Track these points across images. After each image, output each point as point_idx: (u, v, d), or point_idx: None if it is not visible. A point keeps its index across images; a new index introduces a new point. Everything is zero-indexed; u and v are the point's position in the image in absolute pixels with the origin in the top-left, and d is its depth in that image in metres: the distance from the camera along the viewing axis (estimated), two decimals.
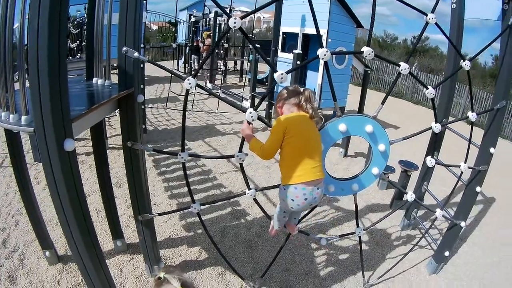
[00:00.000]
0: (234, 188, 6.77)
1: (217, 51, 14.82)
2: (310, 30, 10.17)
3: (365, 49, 3.12)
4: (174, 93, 13.15)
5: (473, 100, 17.47)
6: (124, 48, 2.88)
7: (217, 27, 15.72)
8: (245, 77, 15.57)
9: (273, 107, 2.95)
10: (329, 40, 9.27)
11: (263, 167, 7.75)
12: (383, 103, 3.51)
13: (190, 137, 9.30)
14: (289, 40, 11.26)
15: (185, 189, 6.36)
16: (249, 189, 3.44)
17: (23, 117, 2.48)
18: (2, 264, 4.29)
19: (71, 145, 2.37)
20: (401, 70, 3.35)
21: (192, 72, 16.04)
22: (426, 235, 5.35)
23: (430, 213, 6.59)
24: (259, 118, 2.98)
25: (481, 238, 6.28)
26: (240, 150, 3.22)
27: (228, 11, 16.75)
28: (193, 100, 12.86)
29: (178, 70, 18.21)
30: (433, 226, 5.42)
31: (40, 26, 2.06)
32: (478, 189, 4.67)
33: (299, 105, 2.91)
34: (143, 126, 8.88)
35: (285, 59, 10.56)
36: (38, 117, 2.24)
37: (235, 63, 22.23)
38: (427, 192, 5.54)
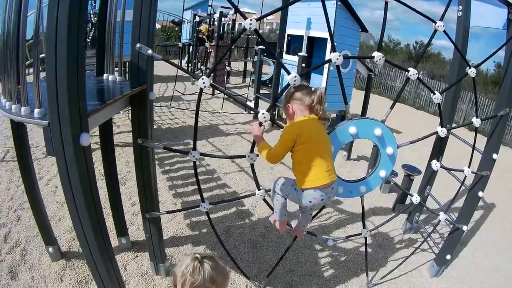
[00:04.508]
0: (238, 188, 6.81)
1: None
2: (315, 33, 10.20)
3: (376, 54, 3.16)
4: (179, 92, 13.12)
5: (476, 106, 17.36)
6: (138, 45, 2.85)
7: (221, 27, 15.74)
8: (250, 78, 15.52)
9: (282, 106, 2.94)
10: (335, 43, 9.32)
11: (267, 168, 7.76)
12: (392, 107, 3.55)
13: None
14: (294, 42, 11.29)
15: (189, 188, 6.44)
16: (259, 189, 3.46)
17: (36, 110, 2.44)
18: (3, 259, 4.25)
19: (87, 139, 2.33)
20: (410, 75, 3.39)
21: (202, 69, 16.22)
22: (428, 238, 5.40)
23: (432, 218, 6.65)
24: (272, 120, 3.00)
25: (481, 243, 6.32)
26: (252, 151, 3.23)
27: (232, 11, 16.80)
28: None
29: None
30: (435, 230, 5.46)
31: (59, 17, 2.02)
32: (480, 194, 4.73)
33: (311, 106, 2.87)
34: None
35: (290, 61, 10.58)
36: (54, 110, 2.20)
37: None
38: (429, 196, 5.58)
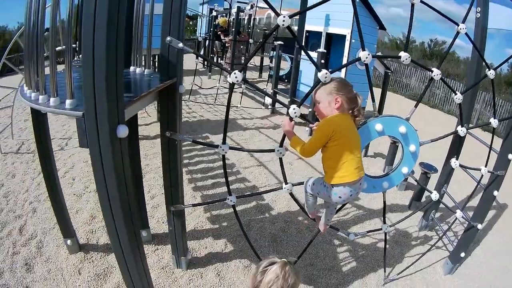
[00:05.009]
0: (258, 183, 6.88)
1: (242, 46, 14.86)
2: (334, 29, 10.22)
3: (403, 54, 3.21)
4: (197, 86, 13.18)
5: (490, 106, 17.29)
6: (168, 38, 2.87)
7: (240, 22, 15.77)
8: (268, 73, 15.50)
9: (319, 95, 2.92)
10: (353, 40, 9.37)
11: (286, 163, 7.61)
12: (416, 106, 3.63)
13: (212, 131, 9.40)
14: (312, 38, 11.31)
15: (209, 181, 6.53)
16: (286, 183, 3.52)
17: (67, 101, 2.36)
18: (19, 251, 4.28)
19: (124, 131, 2.29)
20: (434, 75, 3.47)
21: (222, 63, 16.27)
22: (443, 236, 5.45)
23: (446, 216, 6.69)
24: (301, 116, 3.04)
25: (493, 243, 6.36)
26: (281, 145, 3.27)
27: (249, 6, 16.81)
28: (216, 94, 12.92)
29: (197, 63, 18.29)
30: (449, 228, 5.51)
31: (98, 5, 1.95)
32: (495, 193, 4.77)
33: (353, 109, 2.93)
34: None
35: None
36: (90, 101, 2.13)
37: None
38: (445, 194, 5.62)
